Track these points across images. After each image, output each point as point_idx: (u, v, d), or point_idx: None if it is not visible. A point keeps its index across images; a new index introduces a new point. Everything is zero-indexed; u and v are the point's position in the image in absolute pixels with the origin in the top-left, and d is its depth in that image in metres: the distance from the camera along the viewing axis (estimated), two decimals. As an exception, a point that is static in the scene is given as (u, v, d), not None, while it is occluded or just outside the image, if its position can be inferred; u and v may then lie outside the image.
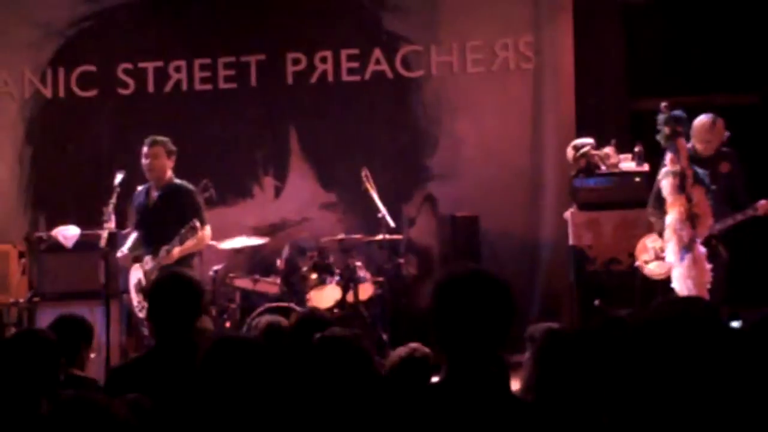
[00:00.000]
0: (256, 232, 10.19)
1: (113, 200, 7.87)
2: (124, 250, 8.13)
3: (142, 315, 8.00)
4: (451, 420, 2.60)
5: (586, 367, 3.22)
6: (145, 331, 7.89)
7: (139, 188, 8.32)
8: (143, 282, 7.98)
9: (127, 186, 8.22)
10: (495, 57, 10.49)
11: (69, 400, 2.49)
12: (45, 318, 8.79)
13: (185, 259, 7.93)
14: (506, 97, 10.44)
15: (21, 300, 9.45)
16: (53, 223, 9.61)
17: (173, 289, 4.31)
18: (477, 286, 2.76)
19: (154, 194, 8.12)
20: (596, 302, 8.55)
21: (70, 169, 10.79)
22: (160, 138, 8.14)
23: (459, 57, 10.55)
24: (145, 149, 8.11)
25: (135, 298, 8.10)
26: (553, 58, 10.37)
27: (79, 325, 5.49)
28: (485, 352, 2.71)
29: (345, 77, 10.72)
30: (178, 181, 8.13)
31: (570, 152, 9.08)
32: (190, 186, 8.19)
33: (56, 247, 9.20)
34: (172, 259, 7.70)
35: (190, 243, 7.76)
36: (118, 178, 8.01)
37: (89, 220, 8.92)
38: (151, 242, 8.00)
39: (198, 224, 7.62)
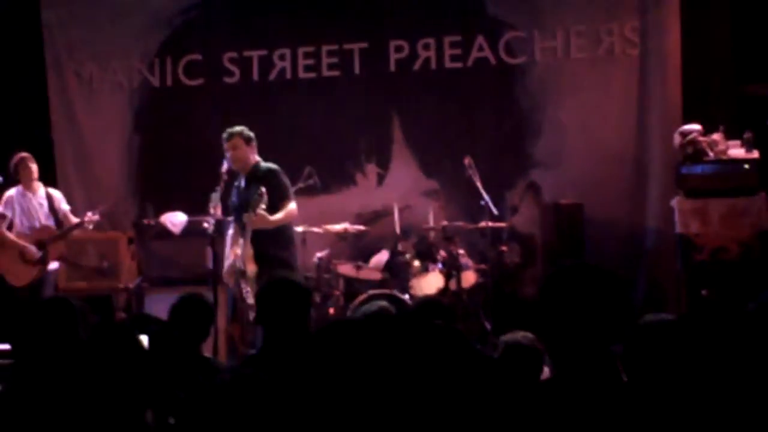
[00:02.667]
0: (359, 219, 10.25)
1: (220, 187, 7.96)
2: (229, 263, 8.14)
3: (250, 301, 8.03)
4: (566, 417, 2.57)
5: (692, 356, 3.16)
6: (252, 315, 7.94)
7: (236, 183, 8.39)
8: (238, 264, 8.02)
9: (233, 173, 8.30)
10: (600, 42, 10.34)
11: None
12: (153, 303, 8.99)
13: (281, 239, 7.93)
14: (611, 83, 10.28)
15: (130, 285, 9.66)
16: (161, 210, 9.77)
17: (281, 294, 4.37)
18: (590, 279, 2.71)
19: (243, 181, 8.19)
20: (703, 292, 8.40)
21: (177, 157, 10.99)
22: (235, 129, 8.16)
23: (563, 43, 10.44)
24: (224, 144, 8.16)
25: (242, 285, 8.13)
26: (660, 43, 10.18)
27: (203, 306, 5.57)
28: (597, 347, 2.66)
29: (448, 64, 10.68)
30: (263, 163, 8.16)
31: (677, 139, 8.93)
32: (274, 166, 8.17)
33: (164, 233, 9.37)
34: (254, 223, 7.69)
35: (278, 216, 7.79)
36: (225, 165, 8.09)
37: (196, 207, 9.05)
38: (242, 226, 8.04)
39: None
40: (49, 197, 9.34)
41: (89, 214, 9.25)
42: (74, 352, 3.07)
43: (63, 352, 3.40)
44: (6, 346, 3.72)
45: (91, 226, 9.26)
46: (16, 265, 9.18)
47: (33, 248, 9.15)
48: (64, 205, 9.43)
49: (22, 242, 9.16)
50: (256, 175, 8.03)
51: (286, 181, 8.16)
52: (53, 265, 9.32)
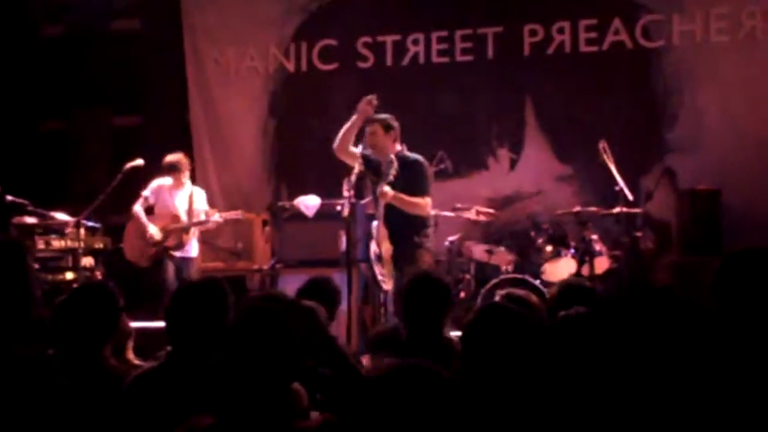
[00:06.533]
0: (491, 203, 10.23)
1: (355, 170, 8.00)
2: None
3: (385, 287, 8.02)
4: None
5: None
6: (382, 297, 7.98)
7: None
8: (377, 250, 8.04)
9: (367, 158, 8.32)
10: (741, 26, 10.08)
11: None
12: (286, 284, 9.09)
13: (415, 221, 7.91)
14: (753, 67, 10.00)
15: (264, 267, 9.83)
16: (295, 193, 9.88)
17: (424, 290, 4.40)
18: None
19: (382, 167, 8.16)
20: None
21: (311, 141, 11.11)
22: (377, 116, 8.08)
23: (702, 26, 10.20)
24: (366, 128, 8.14)
25: (377, 269, 8.15)
26: (805, 26, 9.87)
27: (329, 288, 5.64)
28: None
29: (583, 48, 10.57)
30: (409, 154, 8.09)
31: (821, 124, 8.65)
32: (419, 158, 8.10)
33: (298, 216, 9.47)
34: (386, 196, 7.68)
35: (407, 198, 7.75)
36: (359, 149, 8.14)
37: (330, 190, 9.14)
38: (376, 209, 8.02)
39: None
40: (191, 197, 9.61)
41: (216, 215, 9.47)
42: (224, 330, 3.14)
43: (214, 331, 3.49)
44: (160, 324, 3.81)
45: (213, 223, 9.48)
46: (136, 241, 9.54)
47: (155, 230, 9.42)
48: (202, 205, 9.67)
49: (147, 222, 9.47)
50: (399, 163, 7.98)
51: (429, 176, 8.03)
52: (190, 254, 9.57)
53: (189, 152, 10.96)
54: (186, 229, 9.46)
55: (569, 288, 4.64)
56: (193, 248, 9.62)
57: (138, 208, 9.58)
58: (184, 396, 3.40)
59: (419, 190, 7.83)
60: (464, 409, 2.43)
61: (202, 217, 9.53)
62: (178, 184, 9.58)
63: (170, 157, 9.57)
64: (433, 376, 2.35)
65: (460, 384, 2.45)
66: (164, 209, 9.57)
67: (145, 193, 9.61)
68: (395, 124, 8.02)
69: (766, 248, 2.89)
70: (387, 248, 7.79)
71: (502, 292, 4.93)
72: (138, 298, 8.60)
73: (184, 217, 9.53)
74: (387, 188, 7.61)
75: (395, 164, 7.59)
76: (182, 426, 2.89)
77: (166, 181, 9.62)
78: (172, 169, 9.52)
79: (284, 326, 2.95)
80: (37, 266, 8.32)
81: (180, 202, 9.57)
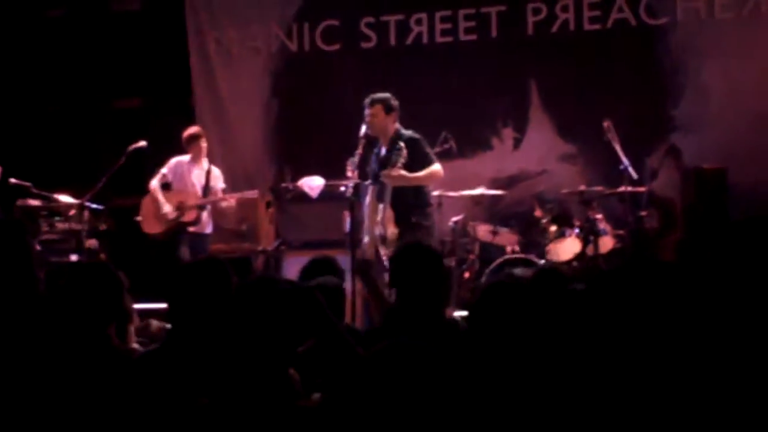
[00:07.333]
0: (495, 183, 10.20)
1: (359, 151, 7.98)
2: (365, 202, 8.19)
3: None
4: None
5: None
6: (386, 277, 7.96)
7: (376, 149, 8.37)
8: (381, 231, 8.05)
9: (371, 138, 8.29)
10: (746, 1, 10.02)
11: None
12: (291, 266, 9.10)
13: (420, 202, 7.93)
14: (758, 43, 9.95)
15: (268, 248, 9.83)
16: (299, 174, 9.87)
17: (415, 259, 4.39)
18: None
19: (383, 149, 8.19)
20: None
21: (314, 121, 11.09)
22: (377, 96, 8.12)
23: (707, 2, 10.14)
24: (365, 109, 8.14)
25: (382, 251, 8.16)
26: (809, 2, 9.81)
27: (333, 269, 5.62)
28: None
29: (587, 26, 10.50)
30: (404, 132, 8.12)
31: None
32: (416, 135, 8.15)
33: (302, 197, 9.47)
34: (393, 179, 7.70)
35: (417, 174, 7.80)
36: (363, 129, 8.12)
37: (333, 171, 9.12)
38: (381, 192, 8.05)
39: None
40: (208, 174, 9.64)
41: (229, 197, 9.54)
42: (225, 310, 3.12)
43: (215, 312, 3.46)
44: (162, 306, 3.79)
45: (224, 204, 9.56)
46: (153, 215, 9.63)
47: (168, 207, 9.46)
48: (219, 184, 9.74)
49: (163, 198, 9.48)
50: (396, 143, 8.01)
51: (428, 149, 8.14)
52: (205, 230, 9.60)
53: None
54: (202, 206, 9.50)
55: (543, 273, 4.67)
56: (208, 225, 9.64)
57: (155, 183, 9.65)
58: (184, 376, 3.38)
59: (426, 162, 7.92)
60: (455, 381, 2.41)
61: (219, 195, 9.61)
62: (196, 158, 9.65)
63: (188, 131, 9.67)
64: (420, 351, 2.33)
65: (447, 358, 2.43)
66: (182, 185, 9.63)
67: (163, 170, 9.69)
68: (395, 103, 8.09)
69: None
70: (393, 231, 7.81)
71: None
72: (143, 279, 8.58)
73: (200, 194, 9.56)
74: (394, 171, 7.64)
75: (404, 152, 7.62)
76: (180, 407, 2.88)
77: (183, 157, 9.65)
78: (192, 140, 9.59)
79: (282, 308, 2.93)
80: (38, 248, 8.30)
81: (197, 179, 9.61)
